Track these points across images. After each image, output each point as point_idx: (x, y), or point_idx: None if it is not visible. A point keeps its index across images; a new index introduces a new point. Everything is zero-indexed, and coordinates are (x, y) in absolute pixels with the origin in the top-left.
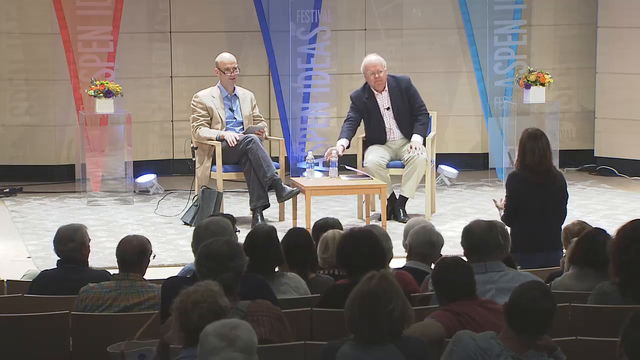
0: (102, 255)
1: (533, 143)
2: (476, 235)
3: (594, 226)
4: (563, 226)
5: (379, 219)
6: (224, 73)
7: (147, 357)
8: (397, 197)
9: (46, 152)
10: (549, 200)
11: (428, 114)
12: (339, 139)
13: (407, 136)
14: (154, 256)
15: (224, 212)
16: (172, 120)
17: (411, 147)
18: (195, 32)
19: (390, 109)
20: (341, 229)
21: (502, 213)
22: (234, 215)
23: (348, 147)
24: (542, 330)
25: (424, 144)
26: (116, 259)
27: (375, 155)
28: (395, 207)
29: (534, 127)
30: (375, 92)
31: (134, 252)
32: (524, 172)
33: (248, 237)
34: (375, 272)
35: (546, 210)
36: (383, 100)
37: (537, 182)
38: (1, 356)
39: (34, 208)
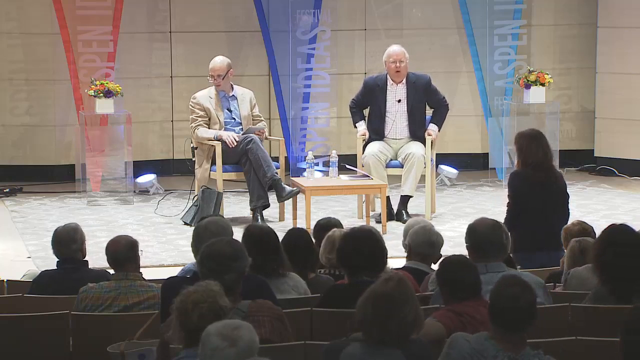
0: (102, 255)
1: (537, 142)
2: (480, 234)
3: (593, 226)
4: (563, 227)
5: (377, 220)
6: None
7: (147, 357)
8: (399, 198)
9: (46, 152)
10: (549, 200)
11: (448, 105)
12: (357, 123)
13: (412, 135)
14: (141, 251)
15: (217, 213)
16: (172, 120)
17: (428, 134)
18: (195, 32)
19: (403, 102)
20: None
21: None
22: (234, 216)
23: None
24: (526, 324)
25: (423, 142)
26: (109, 263)
27: (375, 149)
28: (397, 208)
29: (530, 127)
30: (390, 83)
31: (124, 249)
32: (527, 170)
33: (253, 237)
34: (392, 274)
35: (547, 209)
36: (397, 92)
37: (539, 180)
38: (1, 356)
39: (34, 208)
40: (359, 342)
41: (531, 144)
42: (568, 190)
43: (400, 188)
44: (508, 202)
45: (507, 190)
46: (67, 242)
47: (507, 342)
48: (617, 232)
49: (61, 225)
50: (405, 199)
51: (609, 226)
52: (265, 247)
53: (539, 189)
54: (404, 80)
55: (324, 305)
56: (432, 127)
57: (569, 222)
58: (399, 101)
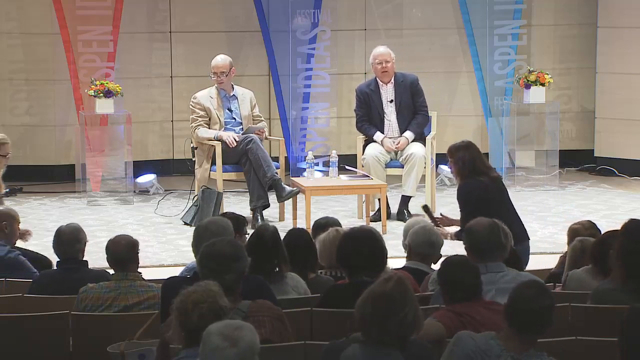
0: (102, 255)
1: (476, 149)
2: (478, 235)
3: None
4: (570, 226)
5: (372, 218)
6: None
7: (147, 357)
8: (400, 198)
9: (46, 152)
10: (504, 198)
11: (428, 115)
12: (373, 135)
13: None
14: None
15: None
16: (172, 120)
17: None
18: (195, 32)
19: (393, 102)
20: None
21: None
22: None
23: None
24: (543, 328)
25: (423, 142)
26: (109, 263)
27: (375, 150)
28: (399, 208)
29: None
30: (380, 84)
31: (124, 249)
32: (479, 179)
33: (256, 237)
34: (392, 274)
35: (506, 207)
36: (387, 92)
37: (493, 183)
38: (1, 356)
39: (34, 208)
40: (358, 343)
41: (474, 153)
42: (567, 190)
43: (400, 188)
44: (462, 216)
45: (464, 202)
46: (72, 241)
47: (515, 343)
48: (635, 229)
49: (64, 225)
50: (406, 199)
51: (631, 223)
52: (266, 247)
53: (495, 191)
54: (392, 80)
55: (324, 305)
56: (406, 134)
57: (579, 224)
58: (391, 101)
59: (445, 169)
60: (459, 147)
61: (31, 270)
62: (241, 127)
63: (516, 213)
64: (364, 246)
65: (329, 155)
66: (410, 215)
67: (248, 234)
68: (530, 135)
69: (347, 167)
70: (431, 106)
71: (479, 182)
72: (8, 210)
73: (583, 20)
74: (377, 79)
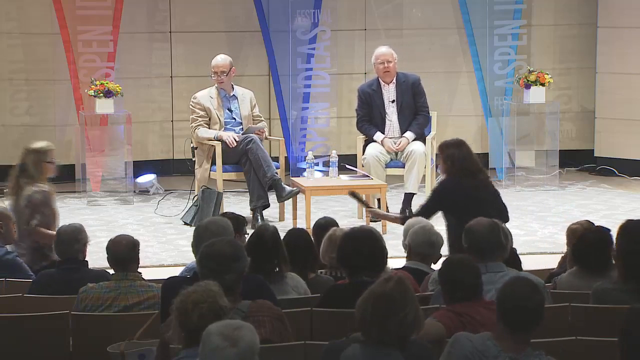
0: (102, 255)
1: (467, 147)
2: (478, 235)
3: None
4: (568, 226)
5: (372, 219)
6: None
7: (147, 357)
8: (403, 196)
9: None
10: (493, 198)
11: (429, 115)
12: (374, 135)
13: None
14: None
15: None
16: (172, 120)
17: (399, 142)
18: (195, 32)
19: (395, 102)
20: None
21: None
22: None
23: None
24: (533, 325)
25: (423, 142)
26: (109, 263)
27: (375, 150)
28: (402, 207)
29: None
30: (382, 84)
31: (125, 249)
32: (463, 181)
33: (256, 237)
34: (392, 274)
35: (496, 207)
36: (389, 92)
37: (482, 182)
38: (1, 356)
39: None
40: (358, 343)
41: (465, 152)
42: (567, 190)
43: (400, 188)
44: (425, 205)
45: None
46: (70, 241)
47: (511, 342)
48: (633, 229)
49: (65, 224)
50: (409, 197)
51: (630, 223)
52: (266, 247)
53: (476, 195)
54: (394, 80)
55: (323, 305)
56: (407, 135)
57: (578, 224)
58: (393, 101)
59: None
60: (450, 145)
61: (28, 272)
62: (241, 127)
63: (506, 214)
64: (364, 246)
65: (329, 155)
66: (412, 214)
67: (248, 234)
68: (530, 135)
69: (347, 165)
70: (431, 106)
71: (460, 186)
72: (3, 210)
73: (583, 20)
74: (379, 79)
